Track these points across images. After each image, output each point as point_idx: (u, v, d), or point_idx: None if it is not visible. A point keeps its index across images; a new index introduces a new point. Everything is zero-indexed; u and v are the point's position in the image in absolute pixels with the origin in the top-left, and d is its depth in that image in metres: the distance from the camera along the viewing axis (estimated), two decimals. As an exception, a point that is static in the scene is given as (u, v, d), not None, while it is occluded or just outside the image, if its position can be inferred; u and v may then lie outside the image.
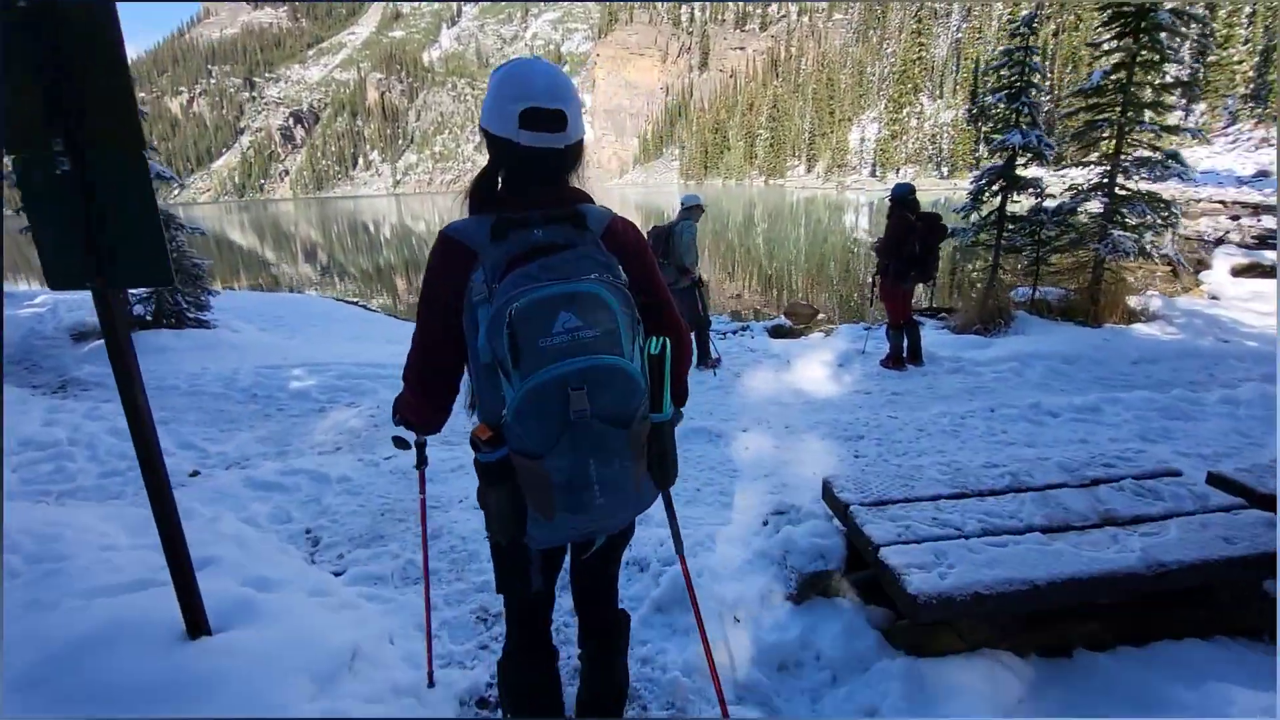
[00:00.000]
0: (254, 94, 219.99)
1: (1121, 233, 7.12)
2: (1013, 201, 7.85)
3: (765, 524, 2.36)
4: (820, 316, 10.31)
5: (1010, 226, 7.80)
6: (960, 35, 74.64)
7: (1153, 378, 5.22)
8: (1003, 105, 7.96)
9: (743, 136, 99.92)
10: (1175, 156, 7.24)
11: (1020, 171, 7.71)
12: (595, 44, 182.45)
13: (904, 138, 58.27)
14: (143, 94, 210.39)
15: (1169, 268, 8.97)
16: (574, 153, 1.20)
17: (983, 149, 48.43)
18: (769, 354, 6.42)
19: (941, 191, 46.80)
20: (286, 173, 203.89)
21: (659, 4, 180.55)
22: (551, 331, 1.00)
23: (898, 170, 57.91)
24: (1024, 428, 3.92)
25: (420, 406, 1.29)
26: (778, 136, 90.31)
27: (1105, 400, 4.18)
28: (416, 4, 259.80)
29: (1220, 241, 13.83)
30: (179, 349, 6.84)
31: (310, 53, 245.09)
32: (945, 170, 52.66)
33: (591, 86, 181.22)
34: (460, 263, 1.11)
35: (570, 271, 1.05)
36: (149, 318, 7.66)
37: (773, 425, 4.20)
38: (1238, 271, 11.55)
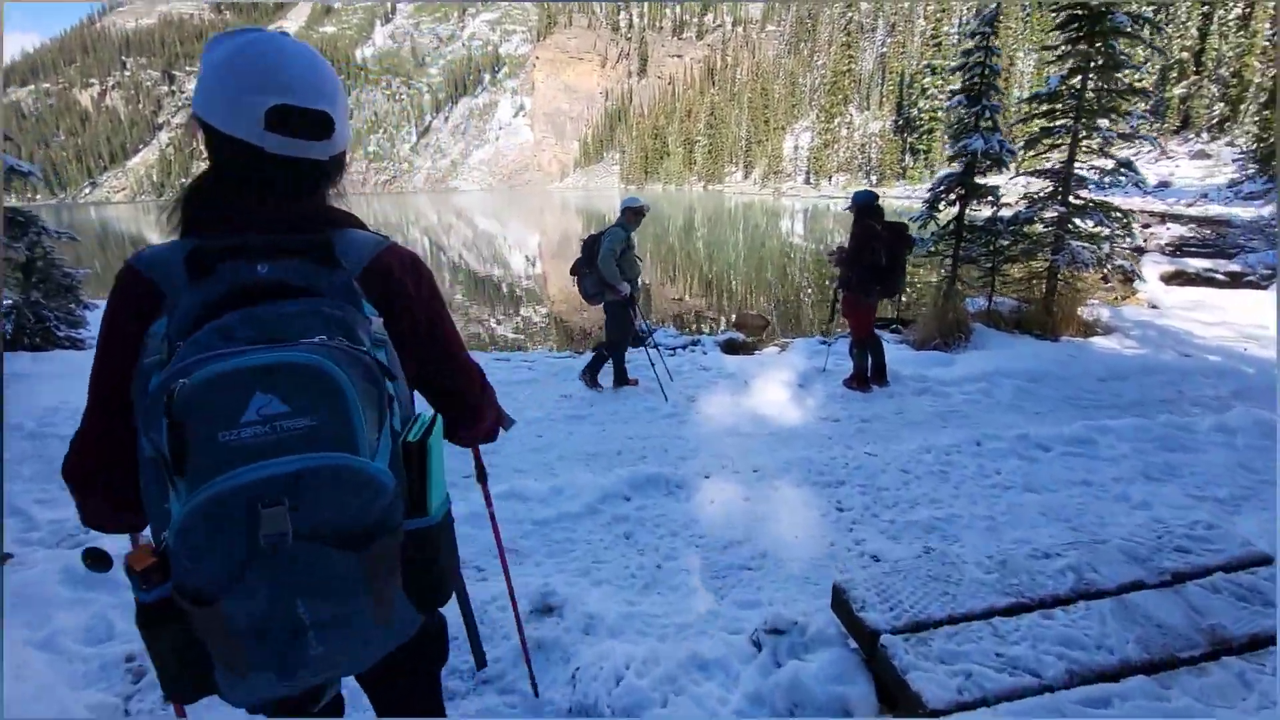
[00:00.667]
0: (173, 88, 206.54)
1: (1080, 243, 6.93)
2: (972, 210, 7.54)
3: (757, 646, 1.76)
4: (771, 328, 9.94)
5: (967, 236, 7.48)
6: (885, 50, 77.54)
7: (1122, 397, 5.02)
8: (962, 109, 7.55)
9: (681, 143, 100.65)
10: (1129, 165, 7.10)
11: (979, 179, 7.37)
12: (534, 46, 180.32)
13: (835, 146, 59.72)
14: (47, 85, 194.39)
15: (1124, 279, 8.95)
16: (336, 165, 0.96)
17: (909, 159, 50.21)
18: (724, 373, 5.94)
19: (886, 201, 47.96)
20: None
21: (597, 9, 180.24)
22: (239, 421, 0.68)
23: (830, 178, 59.29)
24: (1016, 465, 3.49)
25: (91, 508, 0.89)
26: (715, 143, 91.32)
27: (1094, 430, 3.82)
28: (348, 2, 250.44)
29: (1142, 250, 14.34)
30: (37, 376, 5.71)
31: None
32: (874, 179, 54.18)
33: (531, 89, 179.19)
34: (139, 306, 0.80)
35: (285, 330, 0.74)
36: (7, 336, 6.47)
37: (739, 468, 3.63)
38: (1168, 279, 11.91)
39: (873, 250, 4.88)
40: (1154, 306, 8.60)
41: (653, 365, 5.43)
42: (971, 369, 5.59)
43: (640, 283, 5.34)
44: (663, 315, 11.68)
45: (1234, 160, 27.49)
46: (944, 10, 47.09)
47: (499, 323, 12.17)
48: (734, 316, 11.43)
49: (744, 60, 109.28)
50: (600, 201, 69.39)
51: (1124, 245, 7.75)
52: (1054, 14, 7.45)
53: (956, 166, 7.53)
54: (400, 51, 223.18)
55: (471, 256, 23.88)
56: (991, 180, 7.48)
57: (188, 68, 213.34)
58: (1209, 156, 31.52)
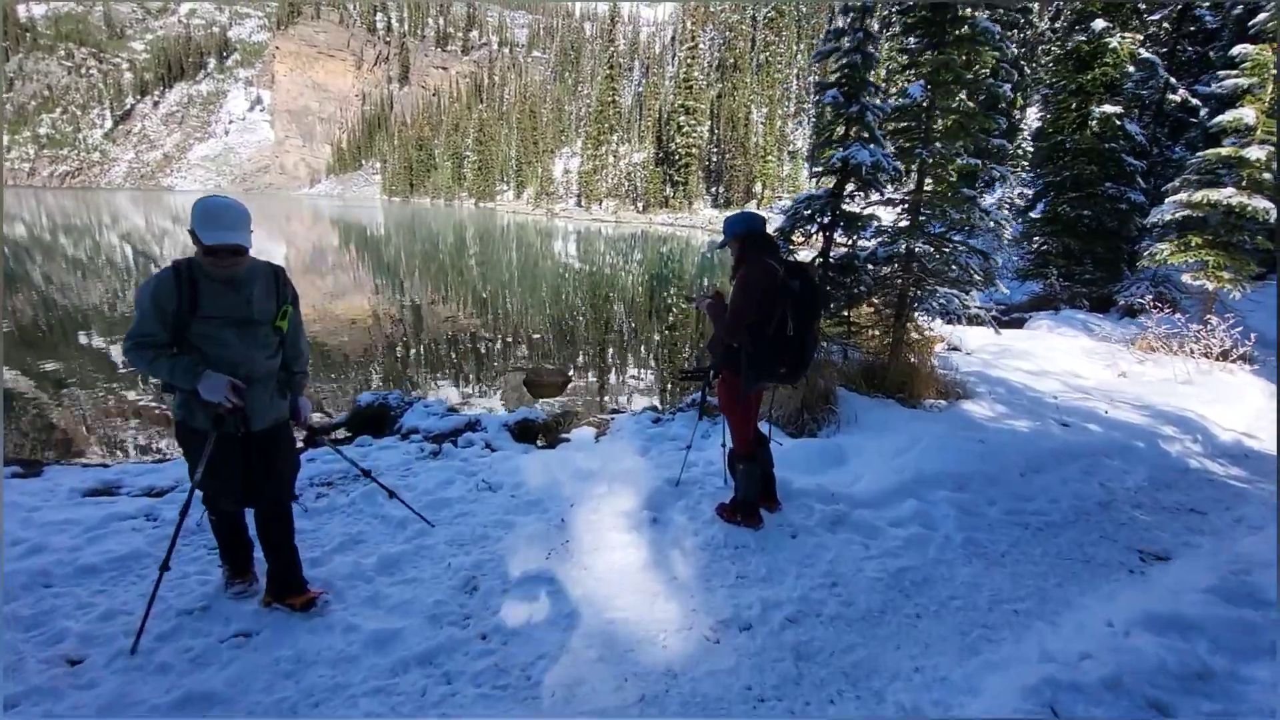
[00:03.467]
0: None
1: (948, 290, 6.09)
2: (836, 244, 6.44)
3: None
4: (573, 384, 8.41)
5: (831, 275, 6.38)
6: (641, 89, 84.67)
7: (1057, 501, 4.19)
8: (834, 109, 6.27)
9: (450, 156, 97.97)
10: (972, 200, 6.30)
11: (847, 205, 6.29)
12: (274, 35, 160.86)
13: (604, 173, 63.44)
14: None
15: (980, 327, 8.43)
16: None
17: (669, 189, 55.49)
18: (522, 499, 3.93)
19: (648, 225, 51.83)
20: None
21: (354, 9, 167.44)
22: None
23: (600, 202, 62.70)
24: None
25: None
26: (485, 160, 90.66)
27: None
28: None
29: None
30: None
31: None
32: (641, 205, 58.68)
33: (270, 82, 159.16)
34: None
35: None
36: None
37: None
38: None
39: (773, 308, 3.16)
40: (955, 348, 8.16)
41: (389, 495, 3.61)
42: (879, 474, 4.25)
43: (301, 372, 2.84)
44: (430, 362, 10.32)
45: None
46: (693, 58, 53.41)
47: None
48: (521, 373, 9.36)
49: (511, 81, 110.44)
50: (360, 213, 64.34)
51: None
52: (902, 15, 6.27)
53: (818, 186, 6.24)
54: (89, 17, 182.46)
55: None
56: (862, 206, 6.40)
57: None
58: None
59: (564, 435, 5.74)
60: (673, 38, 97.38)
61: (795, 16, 59.49)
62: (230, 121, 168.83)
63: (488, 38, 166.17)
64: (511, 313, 14.75)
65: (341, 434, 5.85)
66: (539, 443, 5.44)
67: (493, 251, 30.23)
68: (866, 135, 6.11)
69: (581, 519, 3.64)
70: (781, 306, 3.15)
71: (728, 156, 53.24)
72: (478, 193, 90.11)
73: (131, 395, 7.71)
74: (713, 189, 56.12)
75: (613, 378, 9.80)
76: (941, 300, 6.16)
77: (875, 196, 6.39)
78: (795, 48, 59.09)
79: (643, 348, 12.11)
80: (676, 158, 53.92)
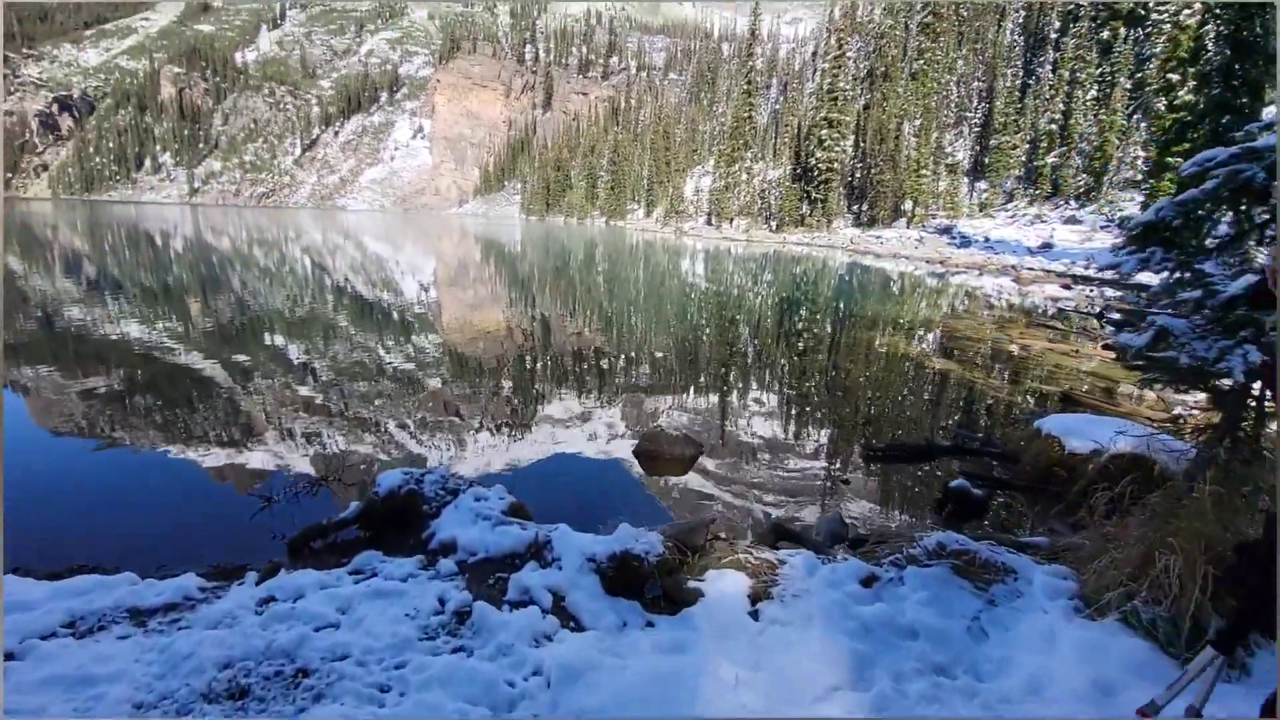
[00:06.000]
0: (6, 70, 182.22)
1: None
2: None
3: None
4: (702, 456, 6.13)
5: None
6: (778, 106, 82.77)
7: None
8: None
9: (584, 177, 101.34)
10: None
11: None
12: (436, 69, 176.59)
13: (736, 190, 62.16)
14: None
15: None
16: None
17: (805, 207, 53.09)
18: None
19: (781, 244, 50.07)
20: (44, 168, 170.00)
21: (506, 42, 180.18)
22: None
23: (731, 221, 61.49)
24: None
25: None
26: (618, 180, 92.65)
27: None
28: (230, 2, 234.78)
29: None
30: None
31: (89, 33, 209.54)
32: (774, 224, 56.74)
33: (431, 112, 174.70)
34: None
35: None
36: None
37: None
38: None
39: None
40: None
41: None
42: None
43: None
44: (552, 374, 10.09)
45: (1101, 227, 31.94)
46: (839, 68, 50.76)
47: (387, 350, 10.86)
48: (639, 394, 8.65)
49: (648, 103, 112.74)
50: (500, 230, 67.84)
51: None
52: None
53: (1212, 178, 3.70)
54: (289, 60, 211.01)
55: (359, 280, 21.94)
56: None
57: (25, 50, 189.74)
58: (1080, 222, 35.61)
59: (692, 582, 3.19)
60: (814, 52, 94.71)
61: (955, 20, 54.73)
62: (395, 148, 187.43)
63: (627, 62, 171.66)
64: (636, 330, 14.12)
65: (355, 532, 3.95)
66: (644, 605, 3.08)
67: (620, 268, 29.98)
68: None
69: None
70: None
71: (874, 171, 49.68)
72: (609, 211, 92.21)
73: (304, 391, 8.45)
74: (854, 206, 52.84)
75: (765, 455, 6.69)
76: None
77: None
78: (955, 54, 54.41)
79: (809, 404, 9.09)
80: (815, 174, 51.27)
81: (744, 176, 61.42)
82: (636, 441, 6.41)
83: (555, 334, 13.36)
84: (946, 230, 41.65)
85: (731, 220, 61.57)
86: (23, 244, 29.20)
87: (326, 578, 3.15)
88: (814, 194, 51.78)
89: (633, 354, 11.69)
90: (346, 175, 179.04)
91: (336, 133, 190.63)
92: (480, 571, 3.34)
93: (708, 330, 14.60)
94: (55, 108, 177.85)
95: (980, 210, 45.06)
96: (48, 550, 3.81)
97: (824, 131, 50.02)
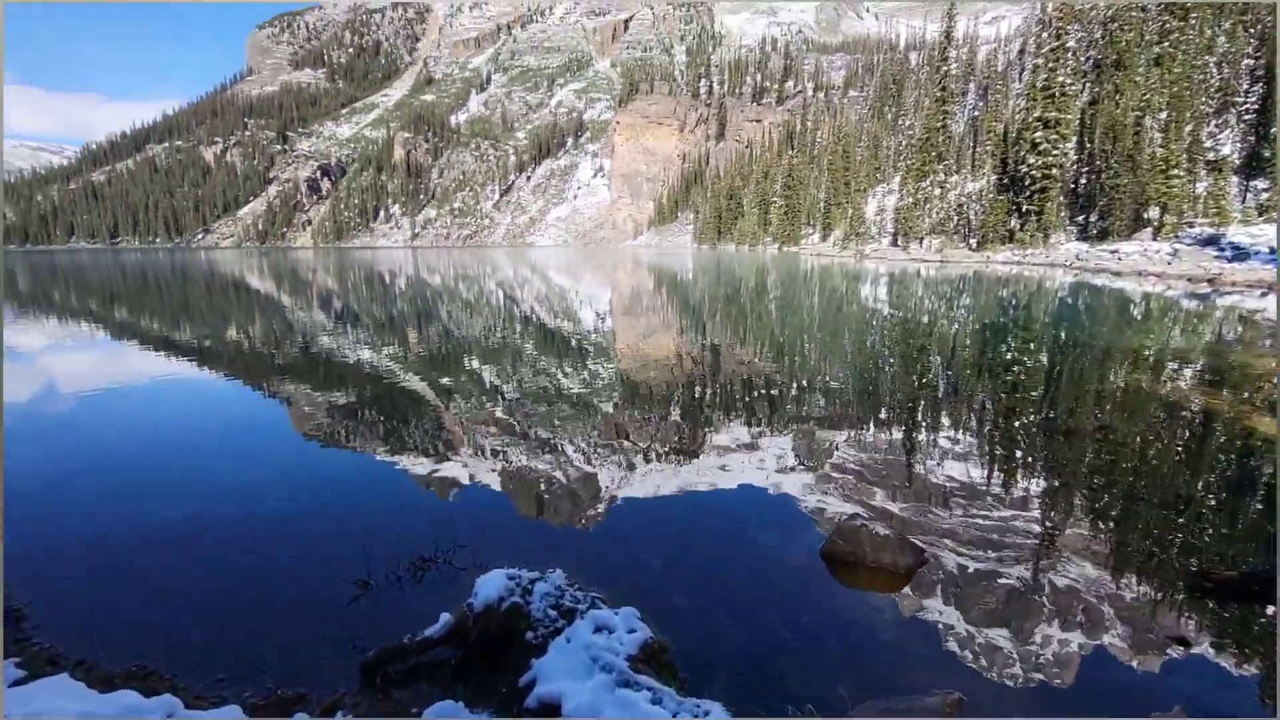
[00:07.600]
0: (285, 147, 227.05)
1: None
2: None
3: None
4: (923, 569, 4.15)
5: None
6: (977, 112, 74.82)
7: None
8: None
9: (757, 203, 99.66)
10: None
11: None
12: (616, 112, 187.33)
13: (926, 207, 56.66)
14: (179, 142, 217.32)
15: None
16: None
17: (1014, 220, 46.52)
18: None
19: (983, 264, 44.49)
20: (309, 222, 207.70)
21: (681, 80, 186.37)
22: None
23: (921, 240, 56.10)
24: None
25: None
26: (792, 204, 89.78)
27: None
28: (449, 71, 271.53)
29: None
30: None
31: (344, 111, 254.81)
32: (974, 241, 50.67)
33: (611, 152, 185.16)
34: None
35: None
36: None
37: None
38: None
39: None
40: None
41: None
42: None
43: None
44: (721, 403, 9.47)
45: None
46: (1057, 60, 43.93)
47: (566, 375, 11.02)
48: (812, 425, 7.78)
49: (824, 123, 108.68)
50: (671, 260, 68.60)
51: None
52: None
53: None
54: (491, 117, 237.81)
55: (543, 310, 22.87)
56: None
57: (300, 129, 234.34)
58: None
59: None
60: (1021, 50, 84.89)
61: (1215, -10, 44.97)
62: (579, 187, 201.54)
63: (803, 84, 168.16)
64: (810, 359, 12.50)
65: (436, 655, 2.90)
66: None
67: (794, 294, 27.95)
68: None
69: None
70: None
71: (1106, 175, 41.86)
72: (781, 236, 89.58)
73: (498, 412, 8.73)
74: (1079, 217, 45.06)
75: (1021, 569, 4.33)
76: None
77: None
78: (1214, 29, 44.68)
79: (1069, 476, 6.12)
80: (1028, 182, 44.54)
81: (936, 191, 55.78)
82: (825, 539, 4.45)
83: (725, 361, 12.49)
84: (1212, 241, 33.74)
85: (921, 240, 56.13)
86: (292, 285, 35.03)
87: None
88: (1026, 205, 45.07)
89: (804, 383, 10.57)
90: (535, 215, 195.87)
91: (529, 177, 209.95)
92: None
93: (892, 361, 12.45)
94: (319, 173, 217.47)
95: (1259, 215, 36.03)
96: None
97: (1039, 133, 43.48)
